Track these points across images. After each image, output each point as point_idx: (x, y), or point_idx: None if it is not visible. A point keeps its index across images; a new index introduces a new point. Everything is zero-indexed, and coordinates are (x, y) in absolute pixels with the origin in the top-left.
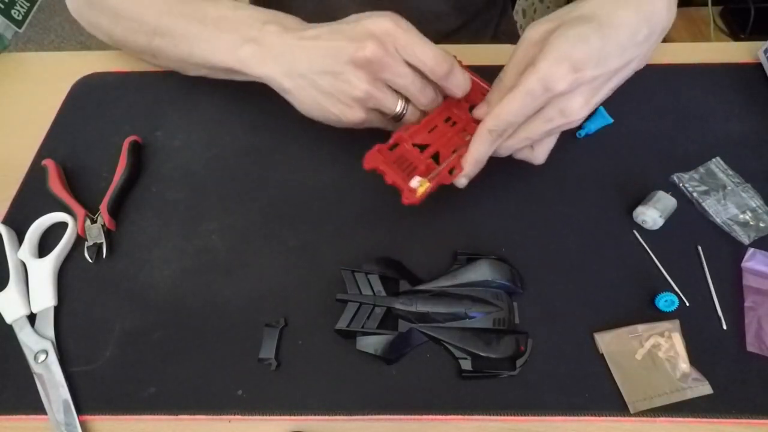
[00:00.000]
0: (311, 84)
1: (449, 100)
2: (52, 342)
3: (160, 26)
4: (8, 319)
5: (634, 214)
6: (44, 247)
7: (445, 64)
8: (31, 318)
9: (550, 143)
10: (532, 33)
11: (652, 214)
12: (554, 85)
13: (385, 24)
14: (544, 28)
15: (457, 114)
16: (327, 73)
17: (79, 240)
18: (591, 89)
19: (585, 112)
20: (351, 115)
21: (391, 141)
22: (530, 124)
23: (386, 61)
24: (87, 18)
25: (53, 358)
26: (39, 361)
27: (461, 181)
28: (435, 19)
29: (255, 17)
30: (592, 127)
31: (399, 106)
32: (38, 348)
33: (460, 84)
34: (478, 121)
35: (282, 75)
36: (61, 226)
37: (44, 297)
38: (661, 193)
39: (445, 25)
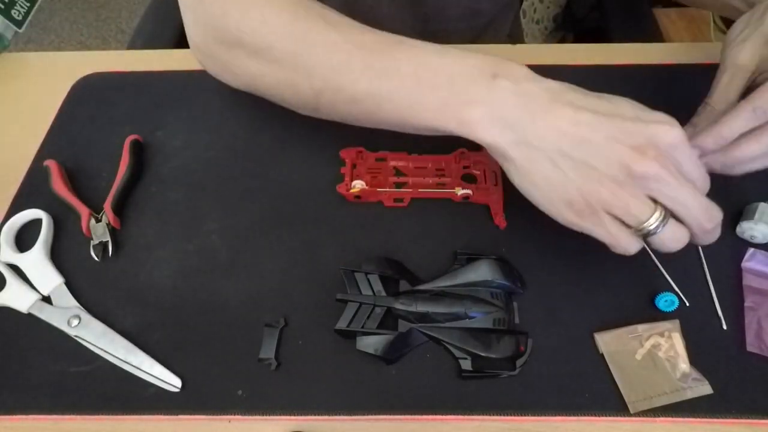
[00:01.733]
0: (550, 160)
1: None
2: (79, 307)
3: (357, 92)
4: (23, 309)
5: (739, 229)
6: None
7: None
8: (47, 301)
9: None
10: (741, 57)
11: (762, 229)
12: None
13: (674, 135)
14: (751, 52)
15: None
16: (584, 164)
17: (84, 240)
18: None
19: None
20: (582, 217)
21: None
22: None
23: (665, 180)
24: (222, 59)
25: (88, 316)
26: (73, 326)
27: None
28: (449, 35)
29: (479, 67)
30: None
31: (654, 219)
32: (68, 315)
33: (711, 240)
34: (460, 180)
35: (512, 144)
36: (35, 223)
37: (49, 279)
38: (763, 205)
39: (458, 38)
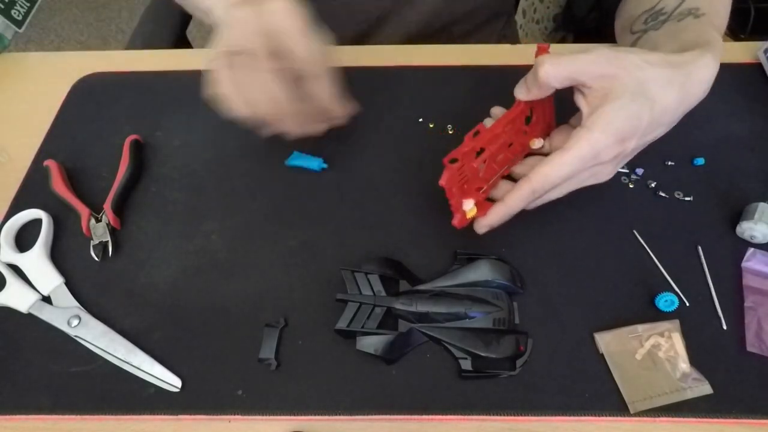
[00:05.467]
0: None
1: (518, 106)
2: (79, 307)
3: None
4: (23, 309)
5: (739, 229)
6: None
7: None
8: (47, 301)
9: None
10: (603, 75)
11: (762, 229)
12: (603, 156)
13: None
14: (612, 73)
15: (515, 122)
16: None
17: (84, 240)
18: (622, 158)
19: (611, 176)
20: None
21: (464, 148)
22: (564, 187)
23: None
24: None
25: (87, 316)
26: (73, 326)
27: (482, 229)
28: (449, 23)
29: None
30: None
31: None
32: (68, 315)
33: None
34: (524, 130)
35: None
36: (35, 223)
37: (48, 279)
38: (763, 205)
39: (458, 28)
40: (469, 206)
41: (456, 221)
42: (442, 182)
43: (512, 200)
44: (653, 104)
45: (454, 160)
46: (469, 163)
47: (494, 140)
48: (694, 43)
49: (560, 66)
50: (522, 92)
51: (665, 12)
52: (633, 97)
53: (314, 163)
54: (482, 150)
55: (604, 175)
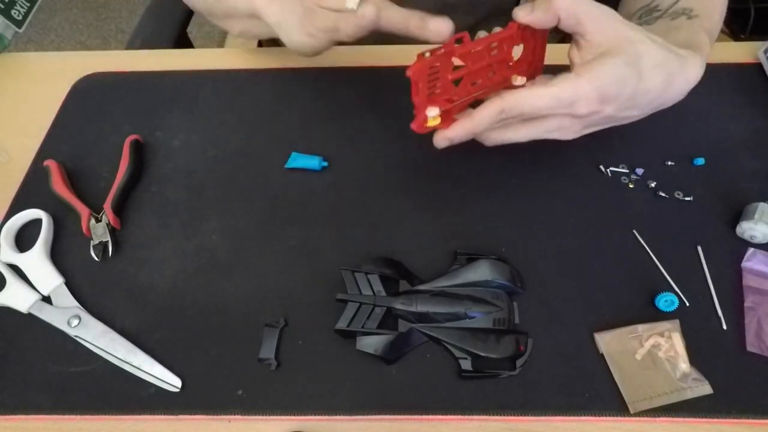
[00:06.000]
0: None
1: (510, 30)
2: (79, 307)
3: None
4: (23, 309)
5: (739, 229)
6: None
7: None
8: (47, 301)
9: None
10: (605, 32)
11: (762, 229)
12: (579, 107)
13: None
14: (614, 35)
15: (503, 47)
16: None
17: (84, 240)
18: (594, 124)
19: (574, 137)
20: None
21: (441, 49)
22: (530, 126)
23: None
24: None
25: (87, 316)
26: (73, 326)
27: (442, 143)
28: (450, 12)
29: None
30: None
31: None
32: (68, 315)
33: None
34: (510, 62)
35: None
36: (35, 223)
37: (49, 279)
38: (763, 205)
39: (460, 20)
40: (433, 113)
41: (415, 125)
42: (409, 72)
43: (479, 115)
44: (640, 78)
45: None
46: (444, 71)
47: (476, 60)
48: (685, 44)
49: (577, 1)
50: (523, 13)
51: (659, 9)
52: (627, 62)
53: (314, 162)
54: (461, 66)
55: (570, 132)
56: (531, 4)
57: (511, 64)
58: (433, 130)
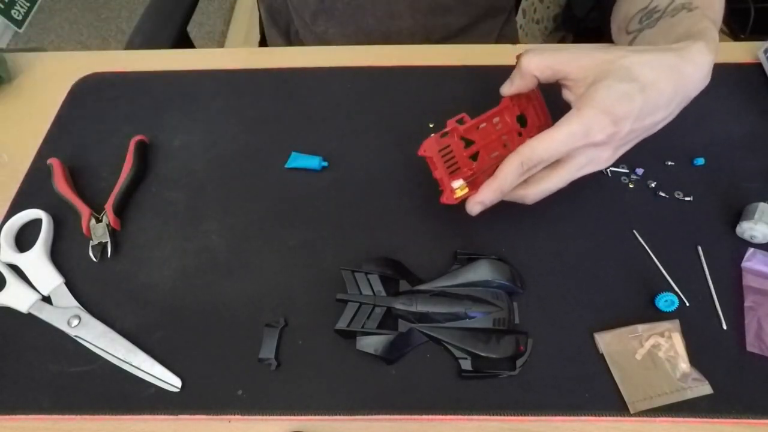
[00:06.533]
0: None
1: (504, 103)
2: (79, 307)
3: None
4: (23, 309)
5: (739, 229)
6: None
7: None
8: (47, 301)
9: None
10: (584, 66)
11: (762, 229)
12: (595, 135)
13: None
14: (593, 63)
15: (505, 119)
16: None
17: (84, 240)
18: (623, 143)
19: (611, 162)
20: None
21: (446, 128)
22: (561, 170)
23: None
24: None
25: (87, 316)
26: (73, 326)
27: (475, 208)
28: (444, 12)
29: None
30: None
31: None
32: (68, 315)
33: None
34: (519, 131)
35: None
36: (35, 223)
37: (48, 279)
38: (763, 205)
39: (454, 20)
40: (458, 184)
41: (444, 198)
42: (421, 152)
43: (502, 173)
44: (644, 86)
45: (444, 134)
46: (457, 148)
47: (485, 135)
48: (687, 34)
49: (542, 55)
50: (506, 87)
51: (659, 9)
52: (619, 79)
53: (314, 162)
54: (472, 143)
55: (602, 160)
56: (510, 78)
57: (521, 132)
58: (464, 200)
